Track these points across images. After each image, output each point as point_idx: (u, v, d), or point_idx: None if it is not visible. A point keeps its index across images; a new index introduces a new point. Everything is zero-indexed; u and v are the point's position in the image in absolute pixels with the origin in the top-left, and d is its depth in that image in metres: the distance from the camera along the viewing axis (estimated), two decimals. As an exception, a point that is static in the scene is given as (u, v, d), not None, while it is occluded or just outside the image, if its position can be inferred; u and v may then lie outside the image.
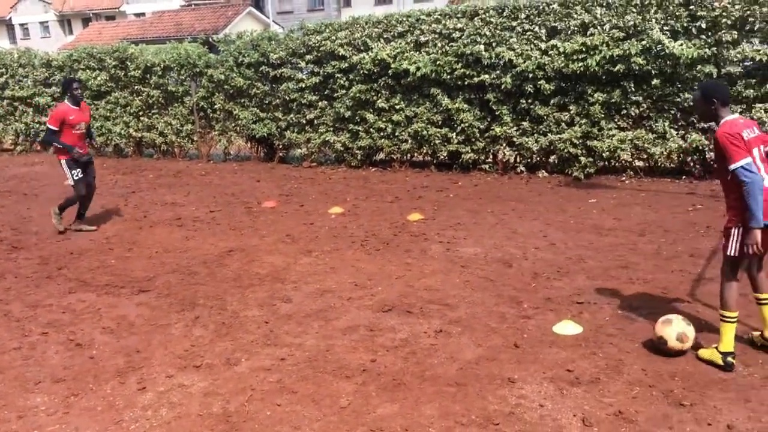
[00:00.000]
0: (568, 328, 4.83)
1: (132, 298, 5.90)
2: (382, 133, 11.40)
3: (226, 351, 4.74)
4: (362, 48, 11.31)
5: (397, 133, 11.26)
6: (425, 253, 6.80)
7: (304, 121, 12.21)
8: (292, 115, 12.34)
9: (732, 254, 4.08)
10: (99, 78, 14.25)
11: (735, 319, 4.10)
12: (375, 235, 7.54)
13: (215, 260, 6.88)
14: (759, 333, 4.35)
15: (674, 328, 4.29)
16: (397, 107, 11.13)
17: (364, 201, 9.35)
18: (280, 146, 12.90)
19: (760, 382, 3.95)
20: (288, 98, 12.26)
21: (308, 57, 11.87)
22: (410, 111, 11.03)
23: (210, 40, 14.13)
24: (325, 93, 11.90)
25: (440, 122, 10.78)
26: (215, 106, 13.15)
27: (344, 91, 11.61)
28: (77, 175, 8.07)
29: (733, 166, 3.90)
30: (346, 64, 11.45)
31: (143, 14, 44.79)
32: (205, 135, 13.81)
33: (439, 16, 10.62)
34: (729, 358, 4.06)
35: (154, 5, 44.12)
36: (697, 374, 4.08)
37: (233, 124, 13.15)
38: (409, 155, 11.58)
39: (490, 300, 5.45)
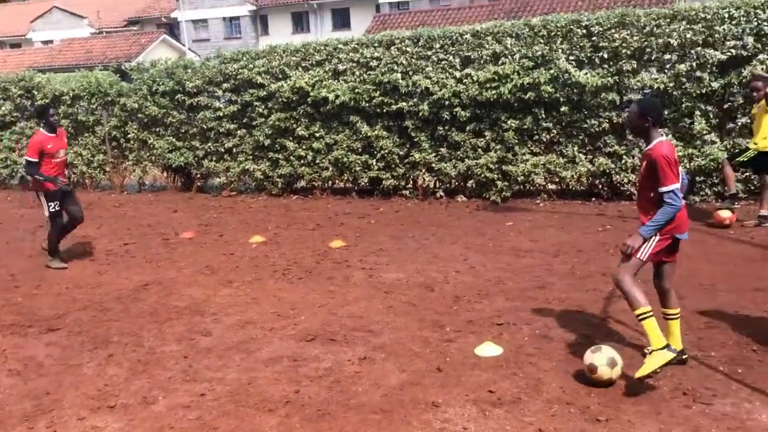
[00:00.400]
0: (489, 349, 4.91)
1: (40, 338, 5.60)
2: (302, 161, 11.38)
3: (143, 389, 4.56)
4: (280, 76, 11.31)
5: (317, 161, 11.26)
6: (348, 280, 6.79)
7: (223, 150, 12.04)
8: (209, 144, 12.14)
9: (641, 257, 4.25)
10: (3, 108, 13.61)
11: (650, 313, 4.17)
12: (297, 264, 7.48)
13: (130, 295, 6.64)
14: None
15: (604, 354, 4.27)
16: (317, 135, 11.15)
17: (286, 229, 9.27)
18: (198, 175, 12.65)
19: (669, 395, 4.13)
20: (205, 127, 12.08)
21: (225, 85, 11.76)
22: (330, 138, 11.07)
23: (122, 68, 13.77)
24: (244, 121, 11.79)
25: (360, 149, 10.87)
26: (129, 136, 12.78)
27: (263, 119, 11.54)
28: (54, 208, 7.60)
29: (664, 189, 4.12)
30: (265, 93, 11.41)
31: (51, 42, 43.17)
32: (118, 165, 13.38)
33: (356, 46, 10.76)
34: (672, 347, 4.18)
35: (62, 33, 42.61)
36: (612, 390, 4.23)
37: (148, 154, 12.81)
38: (330, 182, 11.60)
39: (413, 325, 5.49)
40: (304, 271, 7.18)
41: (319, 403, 4.25)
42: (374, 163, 10.77)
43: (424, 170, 10.55)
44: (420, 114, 10.22)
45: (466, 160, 10.11)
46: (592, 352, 4.34)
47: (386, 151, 10.58)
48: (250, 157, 11.84)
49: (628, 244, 4.25)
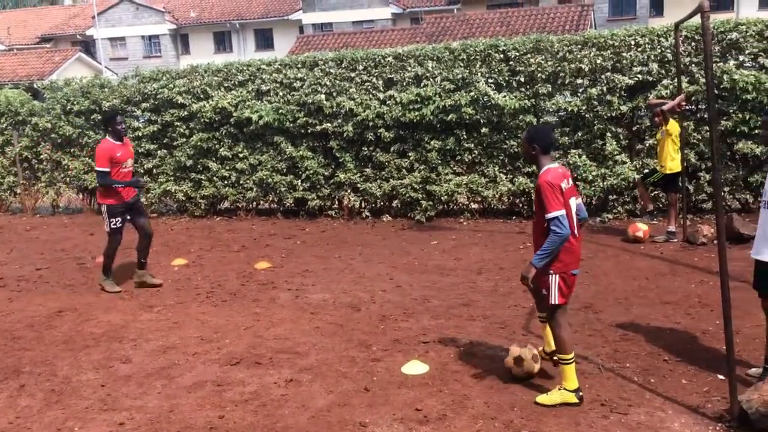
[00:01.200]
0: (415, 368, 4.96)
1: (-58, 372, 5.25)
2: (226, 182, 11.22)
3: (57, 420, 4.35)
4: (202, 96, 11.15)
5: (241, 182, 11.13)
6: (274, 302, 6.71)
7: (142, 171, 11.71)
8: (128, 165, 11.78)
9: (555, 302, 4.28)
10: None
11: (573, 360, 4.34)
12: (221, 286, 7.33)
13: (43, 322, 6.33)
14: (540, 349, 4.76)
15: (529, 350, 4.62)
16: (241, 155, 11.02)
17: (209, 251, 9.08)
18: (116, 197, 12.23)
19: (588, 406, 4.28)
20: (124, 147, 11.72)
21: (145, 105, 11.48)
22: (254, 159, 10.97)
23: (35, 86, 13.22)
24: (164, 141, 11.53)
25: (285, 170, 10.82)
26: (41, 156, 12.25)
27: (185, 140, 11.32)
28: (115, 224, 7.15)
29: (549, 216, 4.10)
30: (186, 113, 11.21)
31: (-45, 57, 40.98)
32: (29, 187, 12.78)
33: (279, 66, 10.75)
34: (580, 393, 4.31)
35: (-32, 48, 40.59)
36: (533, 405, 4.34)
37: (62, 175, 12.31)
38: (254, 203, 11.47)
39: (340, 345, 5.47)
40: (229, 293, 7.06)
41: (245, 427, 4.17)
42: (299, 183, 10.74)
43: (349, 190, 10.59)
44: (345, 135, 10.29)
45: (391, 180, 10.23)
46: (519, 346, 4.63)
47: (311, 171, 10.57)
48: (171, 178, 11.56)
49: (523, 275, 4.28)
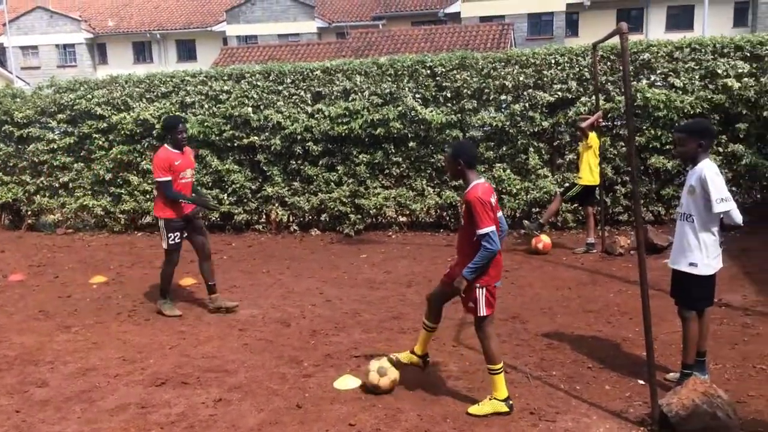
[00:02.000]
0: (348, 382, 4.92)
1: None
2: (148, 196, 10.87)
3: (-34, 452, 4.07)
4: (123, 108, 10.80)
5: (164, 196, 10.80)
6: (200, 319, 6.53)
7: (57, 185, 11.22)
8: (42, 179, 11.27)
9: (483, 314, 4.35)
10: None
11: (502, 369, 4.42)
12: (144, 304, 7.08)
13: (-52, 346, 5.93)
14: (408, 352, 4.82)
15: (378, 362, 4.71)
16: (164, 169, 10.71)
17: (130, 268, 8.76)
18: (29, 212, 11.66)
19: (518, 415, 4.36)
20: (37, 160, 11.21)
21: (61, 116, 11.02)
22: (178, 172, 10.68)
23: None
24: (81, 154, 11.08)
25: (211, 183, 10.59)
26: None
27: (104, 153, 10.92)
28: (174, 240, 6.62)
29: (481, 232, 4.16)
30: (106, 124, 10.83)
31: None
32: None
33: (204, 78, 10.55)
34: (510, 402, 4.39)
35: None
36: (465, 416, 4.38)
37: (-30, 189, 11.62)
38: (178, 218, 11.15)
39: (270, 362, 5.37)
40: (152, 311, 6.82)
41: (172, 451, 4.02)
42: (225, 197, 10.53)
43: (277, 204, 10.47)
44: (272, 148, 10.18)
45: (320, 193, 10.17)
46: (370, 366, 4.75)
47: (238, 185, 10.39)
48: (89, 193, 11.11)
49: (455, 287, 4.36)
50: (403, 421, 4.33)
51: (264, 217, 10.74)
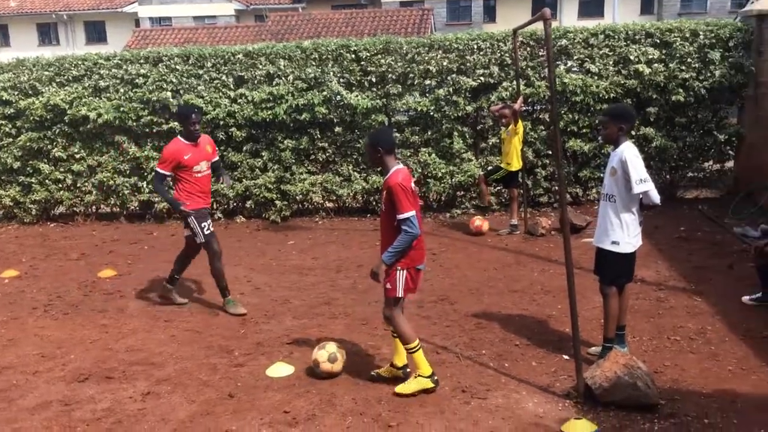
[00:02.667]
0: (280, 369, 4.89)
1: None
2: (60, 185, 10.38)
3: None
4: (31, 92, 10.23)
5: (78, 184, 10.35)
6: (123, 312, 6.32)
7: (-40, 174, 10.54)
8: (-58, 168, 10.56)
9: (399, 295, 4.40)
10: None
11: (419, 346, 4.48)
12: (61, 298, 6.78)
13: None
14: (387, 366, 4.74)
15: (327, 350, 4.68)
16: (78, 156, 10.26)
17: (44, 261, 8.36)
18: (-72, 204, 10.92)
19: (450, 393, 4.45)
20: (-64, 148, 10.48)
21: (-39, 101, 10.33)
22: (93, 160, 10.24)
23: None
24: (-13, 142, 10.44)
25: (128, 171, 10.21)
26: None
27: (11, 140, 10.34)
28: (208, 228, 6.13)
29: (402, 216, 4.21)
30: (12, 110, 10.25)
31: None
32: None
33: (119, 61, 10.12)
34: (435, 377, 4.46)
35: None
36: (400, 398, 4.43)
37: None
38: (94, 207, 10.71)
39: (199, 353, 5.26)
40: (70, 305, 6.54)
41: (100, 448, 3.89)
42: (145, 185, 10.18)
43: (199, 192, 10.19)
44: (193, 134, 9.89)
45: (244, 180, 9.99)
46: (318, 348, 4.71)
47: (158, 172, 10.06)
48: (-4, 182, 10.50)
49: (374, 271, 4.41)
50: (338, 405, 4.35)
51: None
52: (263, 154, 9.95)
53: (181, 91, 9.91)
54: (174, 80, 9.90)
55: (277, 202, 9.93)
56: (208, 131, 9.86)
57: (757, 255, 5.83)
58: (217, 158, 6.42)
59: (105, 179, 10.19)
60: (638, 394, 4.10)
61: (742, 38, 9.15)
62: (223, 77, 9.90)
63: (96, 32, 39.17)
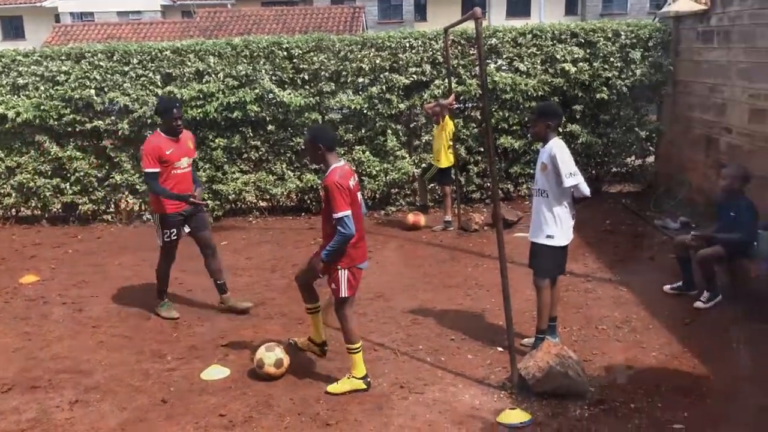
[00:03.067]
0: (215, 372, 4.81)
1: None
2: (-27, 187, 9.86)
3: None
4: (-59, 89, 9.68)
5: (-4, 187, 9.86)
6: (47, 318, 6.06)
7: None
8: None
9: (344, 295, 4.42)
10: None
11: (361, 348, 4.52)
12: (-21, 306, 6.45)
13: None
14: (306, 338, 4.90)
15: (275, 354, 4.65)
16: (-6, 157, 9.78)
17: (-40, 267, 7.93)
18: None
19: (389, 390, 4.48)
20: None
21: None
22: (12, 161, 9.77)
23: None
24: None
25: (50, 172, 9.78)
26: None
27: None
28: (170, 237, 5.82)
29: (336, 216, 4.21)
30: None
31: None
32: None
33: (39, 58, 9.68)
34: (368, 379, 4.49)
35: None
36: (337, 396, 4.43)
37: None
38: (14, 210, 10.22)
39: (130, 358, 5.11)
40: (-10, 313, 6.23)
41: (26, 461, 3.72)
42: (68, 187, 9.78)
43: (127, 193, 9.89)
44: (120, 133, 9.57)
45: (174, 180, 9.73)
46: (266, 349, 4.67)
47: (82, 173, 9.68)
48: None
49: (312, 268, 4.46)
50: (275, 406, 4.31)
51: (113, 206, 10.10)
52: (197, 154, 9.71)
53: (106, 89, 9.56)
54: (98, 77, 9.55)
55: (209, 201, 9.73)
56: (134, 130, 9.58)
57: (678, 246, 6.12)
58: (194, 156, 6.20)
59: (25, 181, 9.73)
60: (569, 382, 4.24)
61: (660, 38, 9.55)
62: (150, 74, 9.61)
63: (13, 28, 37.41)
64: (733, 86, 7.94)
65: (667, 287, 6.11)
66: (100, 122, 9.59)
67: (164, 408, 4.32)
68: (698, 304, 5.70)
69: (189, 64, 9.58)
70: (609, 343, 5.08)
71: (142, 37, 26.28)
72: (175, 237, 5.90)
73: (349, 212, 4.23)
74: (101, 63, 9.58)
